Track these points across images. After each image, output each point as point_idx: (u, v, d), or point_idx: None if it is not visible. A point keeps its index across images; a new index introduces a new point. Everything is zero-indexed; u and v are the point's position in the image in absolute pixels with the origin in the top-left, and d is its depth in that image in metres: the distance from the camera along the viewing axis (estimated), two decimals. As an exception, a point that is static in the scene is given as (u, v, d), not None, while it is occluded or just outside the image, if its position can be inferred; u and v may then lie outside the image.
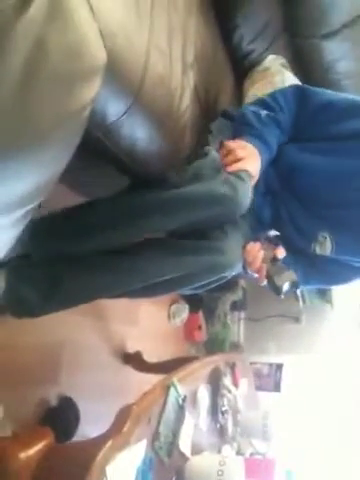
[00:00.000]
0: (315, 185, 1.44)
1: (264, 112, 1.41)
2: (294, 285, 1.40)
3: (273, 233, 1.69)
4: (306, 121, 1.46)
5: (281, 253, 1.41)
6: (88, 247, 1.35)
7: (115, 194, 1.36)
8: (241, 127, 1.41)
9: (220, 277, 1.38)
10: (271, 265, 1.39)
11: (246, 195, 1.27)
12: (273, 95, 1.48)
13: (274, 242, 1.50)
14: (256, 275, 1.43)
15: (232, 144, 1.32)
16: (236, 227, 1.48)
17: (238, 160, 1.29)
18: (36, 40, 0.63)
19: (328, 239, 1.45)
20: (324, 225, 1.46)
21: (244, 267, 1.47)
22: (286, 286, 1.38)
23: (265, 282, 1.42)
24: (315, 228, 1.47)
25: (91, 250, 1.36)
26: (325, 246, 1.46)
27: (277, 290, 1.39)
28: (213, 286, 1.44)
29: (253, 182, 1.33)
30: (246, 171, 1.28)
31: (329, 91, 1.51)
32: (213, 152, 1.37)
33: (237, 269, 1.41)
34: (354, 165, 1.38)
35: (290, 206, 1.52)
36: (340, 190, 1.41)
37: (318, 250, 1.48)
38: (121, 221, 1.29)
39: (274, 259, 1.40)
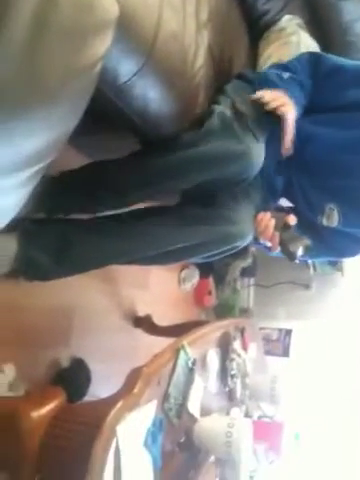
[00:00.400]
0: (326, 156, 1.43)
1: (287, 74, 1.38)
2: (308, 249, 1.39)
3: (285, 204, 1.68)
4: (319, 85, 1.43)
5: (293, 220, 1.40)
6: (101, 207, 1.35)
7: (129, 155, 1.34)
8: (266, 86, 1.37)
9: (231, 247, 1.37)
10: (283, 232, 1.38)
11: (259, 154, 1.27)
12: (290, 61, 1.46)
13: (285, 210, 1.48)
14: (269, 244, 1.42)
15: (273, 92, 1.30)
16: (249, 198, 1.47)
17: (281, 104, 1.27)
18: (46, -8, 0.61)
19: (335, 211, 1.44)
20: (332, 197, 1.45)
21: (255, 238, 1.46)
22: (300, 251, 1.37)
23: (278, 249, 1.41)
24: (323, 200, 1.47)
25: (104, 211, 1.37)
26: (332, 218, 1.45)
27: (291, 256, 1.38)
28: (223, 256, 1.44)
29: (291, 132, 1.32)
30: (284, 115, 1.28)
31: (344, 58, 1.48)
32: (221, 109, 1.34)
33: (248, 239, 1.40)
34: None
35: (300, 177, 1.51)
36: (351, 161, 1.40)
37: (325, 222, 1.48)
38: (140, 183, 1.28)
39: (286, 226, 1.39)
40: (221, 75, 1.50)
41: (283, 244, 1.39)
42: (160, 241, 1.33)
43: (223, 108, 1.32)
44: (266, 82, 1.38)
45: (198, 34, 1.25)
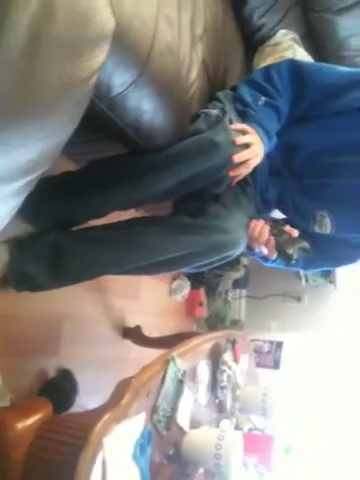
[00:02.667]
0: (310, 161, 1.45)
1: (263, 99, 1.37)
2: (305, 250, 1.40)
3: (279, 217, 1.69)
4: (304, 104, 1.42)
5: (287, 227, 1.42)
6: (90, 208, 1.34)
7: (114, 155, 1.34)
8: (244, 109, 1.36)
9: (224, 256, 1.38)
10: (278, 236, 1.40)
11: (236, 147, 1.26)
12: (268, 74, 1.41)
13: (280, 223, 1.50)
14: (265, 250, 1.43)
15: (252, 134, 1.29)
16: (241, 207, 1.48)
17: (247, 145, 1.27)
18: (43, 4, 0.61)
19: (327, 218, 1.45)
20: (322, 204, 1.47)
21: (249, 248, 1.47)
22: (296, 253, 1.38)
23: (275, 255, 1.42)
24: (313, 208, 1.49)
25: (91, 214, 1.36)
26: (325, 225, 1.46)
27: (288, 258, 1.39)
28: (216, 265, 1.44)
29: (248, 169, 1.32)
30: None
31: (326, 66, 1.47)
32: (207, 111, 1.34)
33: (241, 248, 1.41)
34: (350, 137, 1.37)
35: (291, 186, 1.53)
36: (334, 164, 1.42)
37: (317, 229, 1.49)
38: (125, 179, 1.28)
39: (280, 231, 1.40)
40: (215, 88, 1.51)
41: (279, 247, 1.39)
42: (152, 251, 1.33)
43: (210, 110, 1.33)
44: (242, 104, 1.37)
45: (193, 47, 1.26)
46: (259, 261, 1.68)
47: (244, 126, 1.28)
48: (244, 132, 1.27)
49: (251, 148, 1.27)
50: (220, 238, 1.33)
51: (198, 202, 1.40)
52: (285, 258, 1.40)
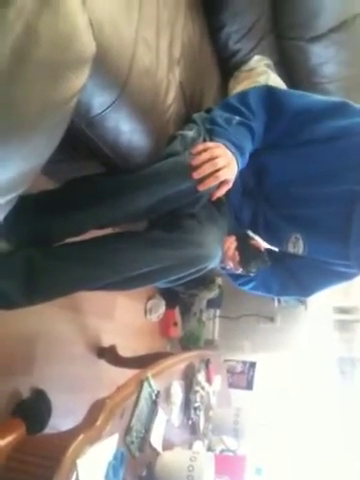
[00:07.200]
0: (282, 188, 1.47)
1: (237, 118, 1.37)
2: (264, 264, 1.53)
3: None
4: (278, 129, 1.44)
5: (256, 244, 1.48)
6: (66, 226, 1.34)
7: (91, 174, 1.35)
8: (212, 128, 1.35)
9: (198, 269, 1.39)
10: (244, 250, 1.51)
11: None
12: (243, 98, 1.42)
13: (249, 237, 1.55)
14: (231, 265, 1.52)
15: (214, 148, 1.25)
16: (216, 224, 1.50)
17: (217, 169, 1.23)
18: (26, 26, 0.62)
19: (301, 240, 1.48)
20: (296, 226, 1.50)
21: (221, 261, 1.51)
22: (255, 269, 1.53)
23: (240, 270, 1.53)
24: (287, 230, 1.52)
25: (67, 232, 1.36)
26: (298, 246, 1.50)
27: (247, 272, 1.54)
28: (191, 278, 1.45)
29: (224, 190, 1.30)
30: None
31: (300, 93, 1.49)
32: (183, 133, 1.35)
33: (215, 261, 1.42)
34: (315, 170, 1.40)
35: (265, 207, 1.55)
36: (305, 193, 1.44)
37: (291, 249, 1.52)
38: (102, 198, 1.28)
39: (247, 246, 1.52)
40: (192, 111, 1.53)
41: (243, 263, 1.51)
42: (126, 266, 1.33)
43: (186, 132, 1.34)
44: (212, 126, 1.35)
45: (170, 70, 1.28)
46: (234, 284, 1.74)
47: (206, 144, 1.26)
48: (205, 149, 1.24)
49: (214, 161, 1.22)
50: (194, 252, 1.34)
51: (173, 218, 1.41)
52: (245, 272, 1.54)
